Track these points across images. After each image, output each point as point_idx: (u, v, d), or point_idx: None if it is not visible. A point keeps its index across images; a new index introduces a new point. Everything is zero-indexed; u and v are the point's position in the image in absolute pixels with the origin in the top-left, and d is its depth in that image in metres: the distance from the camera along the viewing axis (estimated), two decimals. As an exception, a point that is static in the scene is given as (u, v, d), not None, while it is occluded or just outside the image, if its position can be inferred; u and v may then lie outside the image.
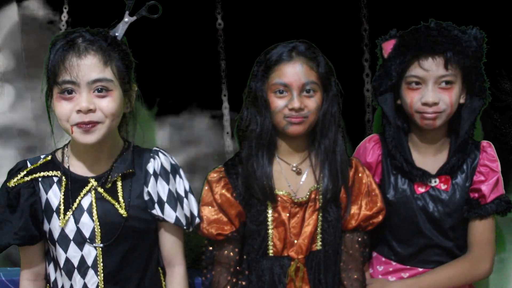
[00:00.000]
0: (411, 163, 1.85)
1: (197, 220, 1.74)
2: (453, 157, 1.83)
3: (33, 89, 2.33)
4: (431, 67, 1.73)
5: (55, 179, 1.64)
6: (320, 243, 1.79)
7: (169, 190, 1.68)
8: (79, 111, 1.51)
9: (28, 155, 2.17)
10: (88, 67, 1.51)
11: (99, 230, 1.61)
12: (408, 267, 1.90)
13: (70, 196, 1.61)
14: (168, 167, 1.70)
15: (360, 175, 1.83)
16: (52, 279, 1.68)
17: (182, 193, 1.71)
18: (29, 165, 1.65)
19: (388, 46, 1.84)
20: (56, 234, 1.61)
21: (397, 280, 1.91)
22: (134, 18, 1.64)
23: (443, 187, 1.85)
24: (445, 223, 1.85)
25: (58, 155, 1.68)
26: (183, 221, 1.69)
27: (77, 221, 1.61)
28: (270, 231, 1.77)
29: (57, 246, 1.62)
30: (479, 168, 1.85)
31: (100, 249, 1.62)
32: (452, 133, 1.86)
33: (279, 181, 1.78)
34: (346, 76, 1.81)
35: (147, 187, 1.66)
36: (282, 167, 1.80)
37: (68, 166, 1.65)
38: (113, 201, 1.63)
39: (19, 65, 2.30)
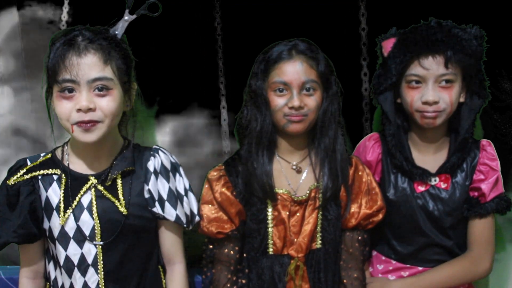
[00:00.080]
0: (411, 162, 1.85)
1: (197, 218, 1.74)
2: (453, 156, 1.84)
3: (33, 89, 2.33)
4: (431, 66, 1.73)
5: (55, 177, 1.64)
6: (320, 241, 1.79)
7: (170, 188, 1.68)
8: (79, 110, 1.51)
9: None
10: (88, 66, 1.51)
11: (99, 227, 1.61)
12: (408, 266, 1.90)
13: (70, 194, 1.62)
14: (168, 165, 1.70)
15: (360, 173, 1.83)
16: (52, 277, 1.68)
17: (182, 191, 1.72)
18: (29, 163, 1.66)
19: (388, 45, 1.84)
20: (56, 232, 1.61)
21: (397, 279, 1.91)
22: (134, 16, 1.65)
23: (443, 185, 1.85)
24: (445, 221, 1.85)
25: (58, 153, 1.69)
26: (183, 219, 1.69)
27: (77, 219, 1.61)
28: (270, 229, 1.77)
29: (57, 244, 1.62)
30: (479, 167, 1.85)
31: (100, 247, 1.62)
32: (452, 132, 1.86)
33: (279, 179, 1.78)
34: (344, 75, 1.81)
35: (147, 185, 1.66)
36: (282, 165, 1.80)
37: (68, 164, 1.65)
38: (113, 199, 1.63)
39: (18, 66, 2.30)
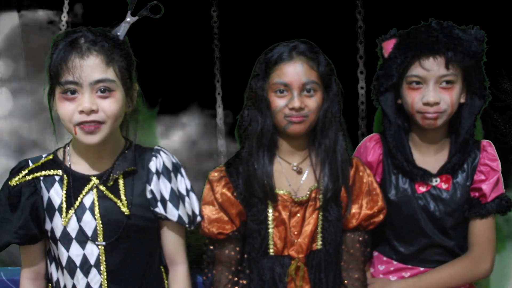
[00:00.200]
0: (412, 163, 1.86)
1: (198, 218, 1.76)
2: (454, 156, 1.85)
3: (33, 90, 2.33)
4: (432, 67, 1.74)
5: (57, 177, 1.65)
6: (320, 242, 1.80)
7: (171, 189, 1.69)
8: (81, 112, 1.52)
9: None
10: (91, 67, 1.52)
11: (101, 228, 1.62)
12: (409, 266, 1.91)
13: (72, 194, 1.63)
14: (170, 166, 1.72)
15: (360, 174, 1.84)
16: (55, 279, 1.69)
17: (184, 192, 1.73)
18: (30, 164, 1.66)
19: (388, 46, 1.84)
20: (58, 233, 1.62)
21: (398, 279, 1.92)
22: (136, 18, 1.65)
23: (444, 186, 1.86)
24: (446, 222, 1.86)
25: (60, 154, 1.70)
26: (186, 219, 1.71)
27: (79, 220, 1.62)
28: (270, 230, 1.78)
29: (59, 245, 1.63)
30: (480, 167, 1.86)
31: (103, 247, 1.63)
32: (452, 132, 1.87)
33: (279, 180, 1.80)
34: (340, 73, 1.81)
35: (149, 185, 1.68)
36: (282, 166, 1.81)
37: (70, 165, 1.66)
38: (115, 199, 1.64)
39: (18, 66, 2.30)
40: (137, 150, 1.72)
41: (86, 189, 1.63)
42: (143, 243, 1.69)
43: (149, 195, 1.68)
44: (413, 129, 1.89)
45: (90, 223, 1.62)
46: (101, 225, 1.62)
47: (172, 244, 1.75)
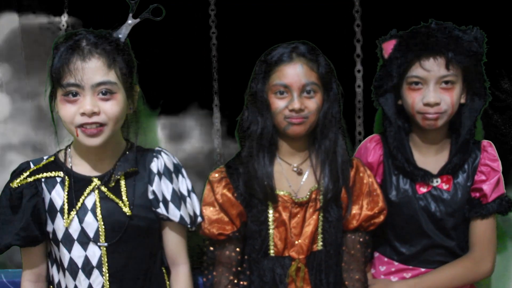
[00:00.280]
0: (412, 163, 1.87)
1: (199, 219, 1.77)
2: (454, 157, 1.86)
3: (33, 91, 2.33)
4: (432, 68, 1.75)
5: (58, 179, 1.66)
6: (321, 243, 1.81)
7: (173, 189, 1.71)
8: (83, 114, 1.53)
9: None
10: (93, 70, 1.53)
11: (103, 229, 1.63)
12: (410, 267, 1.92)
13: (74, 195, 1.64)
14: (171, 167, 1.73)
15: (361, 175, 1.85)
16: (56, 281, 1.70)
17: (185, 192, 1.74)
18: (32, 166, 1.67)
19: (388, 47, 1.85)
20: (60, 235, 1.63)
21: (399, 280, 1.92)
22: (138, 20, 1.66)
23: (445, 187, 1.87)
24: (447, 222, 1.87)
25: (61, 155, 1.71)
26: (187, 219, 1.72)
27: (81, 221, 1.63)
28: (271, 231, 1.79)
29: (61, 246, 1.64)
30: (480, 168, 1.87)
31: (105, 248, 1.64)
32: (453, 133, 1.88)
33: (280, 181, 1.81)
34: (337, 71, 1.82)
35: (151, 186, 1.69)
36: (283, 167, 1.82)
37: (71, 166, 1.67)
38: (116, 200, 1.65)
39: (18, 66, 2.30)
40: (138, 151, 1.73)
41: (87, 190, 1.65)
42: (145, 244, 1.71)
43: (151, 196, 1.69)
44: (413, 129, 1.90)
45: (92, 224, 1.63)
46: (103, 226, 1.63)
47: (174, 244, 1.77)
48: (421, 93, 1.77)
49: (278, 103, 1.72)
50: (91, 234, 1.63)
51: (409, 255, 1.91)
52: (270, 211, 1.79)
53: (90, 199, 1.64)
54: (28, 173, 1.65)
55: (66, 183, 1.65)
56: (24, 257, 1.70)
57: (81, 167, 1.67)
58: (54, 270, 1.70)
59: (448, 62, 1.74)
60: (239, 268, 1.83)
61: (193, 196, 1.77)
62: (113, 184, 1.65)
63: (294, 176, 1.82)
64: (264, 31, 2.14)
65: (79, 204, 1.63)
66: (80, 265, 1.64)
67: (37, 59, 2.26)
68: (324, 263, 1.81)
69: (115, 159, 1.69)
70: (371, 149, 1.95)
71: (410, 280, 1.90)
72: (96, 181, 1.65)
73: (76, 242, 1.63)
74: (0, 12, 2.27)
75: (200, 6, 2.31)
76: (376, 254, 1.98)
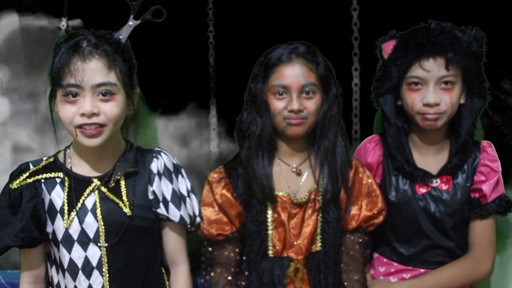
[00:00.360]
0: (412, 164, 1.88)
1: (198, 219, 1.78)
2: (454, 157, 1.87)
3: (33, 92, 2.34)
4: (432, 68, 1.76)
5: (58, 180, 1.67)
6: (320, 244, 1.82)
7: (173, 190, 1.72)
8: (83, 115, 1.55)
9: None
10: (93, 71, 1.55)
11: (103, 229, 1.64)
12: (410, 268, 1.92)
13: (74, 196, 1.65)
14: (170, 167, 1.74)
15: (360, 175, 1.87)
16: (55, 282, 1.71)
17: (185, 193, 1.76)
18: (31, 167, 1.68)
19: (388, 47, 1.86)
20: (60, 235, 1.64)
21: (398, 281, 1.93)
22: (139, 21, 1.67)
23: (444, 187, 1.88)
24: (447, 223, 1.88)
25: (60, 156, 1.72)
26: (187, 220, 1.74)
27: (81, 221, 1.64)
28: (269, 231, 1.81)
29: (61, 247, 1.65)
30: (480, 168, 1.88)
31: (105, 249, 1.65)
32: (452, 133, 1.90)
33: (279, 182, 1.82)
34: (334, 70, 1.83)
35: (151, 186, 1.70)
36: (282, 168, 1.84)
37: (71, 167, 1.68)
38: (117, 200, 1.66)
39: (18, 66, 2.31)
40: (138, 151, 1.74)
41: (87, 191, 1.66)
42: (145, 244, 1.72)
43: (151, 196, 1.70)
44: (413, 130, 1.91)
45: (92, 224, 1.64)
46: (103, 227, 1.64)
47: (174, 244, 1.78)
48: (420, 94, 1.78)
49: (277, 104, 1.74)
50: (91, 235, 1.64)
51: (409, 255, 1.91)
52: (269, 212, 1.80)
53: (90, 199, 1.66)
54: (27, 174, 1.66)
55: (66, 183, 1.66)
56: (23, 259, 1.71)
57: (81, 168, 1.69)
58: (53, 271, 1.71)
59: (448, 62, 1.75)
60: (237, 269, 1.84)
61: (193, 196, 1.78)
62: (113, 184, 1.66)
63: (293, 177, 1.84)
64: (262, 29, 2.14)
65: (79, 205, 1.64)
66: (80, 265, 1.65)
67: (37, 59, 2.26)
68: (323, 263, 1.82)
69: (115, 160, 1.70)
70: (371, 149, 1.96)
71: (409, 281, 1.90)
72: (96, 182, 1.66)
73: (76, 242, 1.64)
74: (0, 13, 2.27)
75: (199, 6, 2.31)
76: (376, 255, 1.99)
